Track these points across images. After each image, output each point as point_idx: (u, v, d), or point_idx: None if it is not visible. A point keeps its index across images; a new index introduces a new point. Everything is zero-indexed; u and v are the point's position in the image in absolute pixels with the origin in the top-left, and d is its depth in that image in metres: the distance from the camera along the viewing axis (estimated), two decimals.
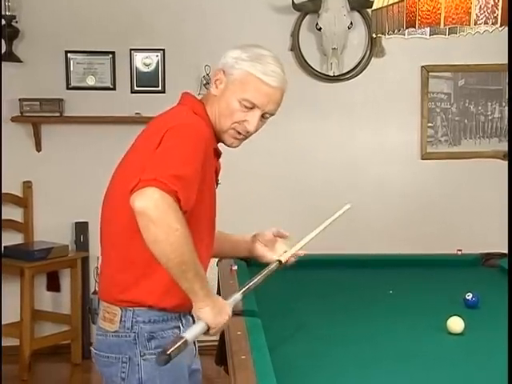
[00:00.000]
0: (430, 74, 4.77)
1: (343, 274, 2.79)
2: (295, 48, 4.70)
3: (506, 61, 4.78)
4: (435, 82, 4.79)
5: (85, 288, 4.65)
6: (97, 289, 2.01)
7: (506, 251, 3.45)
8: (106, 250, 2.01)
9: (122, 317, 1.90)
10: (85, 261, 4.65)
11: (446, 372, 2.04)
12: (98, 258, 2.04)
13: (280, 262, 2.13)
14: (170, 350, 1.66)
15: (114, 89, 4.66)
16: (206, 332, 1.84)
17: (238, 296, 1.98)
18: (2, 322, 4.02)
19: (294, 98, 4.70)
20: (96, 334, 2.01)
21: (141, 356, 1.90)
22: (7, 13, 4.35)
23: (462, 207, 4.85)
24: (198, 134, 1.87)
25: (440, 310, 2.53)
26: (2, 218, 4.32)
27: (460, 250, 3.59)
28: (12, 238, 4.51)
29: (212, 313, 1.81)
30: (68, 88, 4.61)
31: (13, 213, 4.56)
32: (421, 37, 2.69)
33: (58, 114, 4.54)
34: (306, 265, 2.55)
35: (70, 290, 4.56)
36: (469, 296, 2.70)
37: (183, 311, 1.95)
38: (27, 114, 4.51)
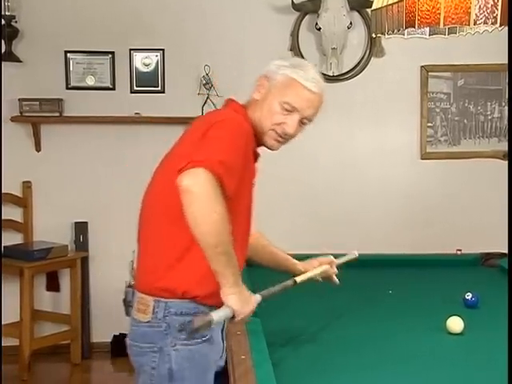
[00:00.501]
0: (430, 73, 4.77)
1: (342, 273, 2.79)
2: (295, 48, 4.69)
3: (505, 61, 4.78)
4: (435, 82, 4.79)
5: (84, 288, 4.65)
6: (131, 282, 2.05)
7: (505, 251, 3.46)
8: (144, 240, 2.06)
9: (154, 307, 1.95)
10: (84, 261, 4.65)
11: (445, 372, 2.04)
12: (133, 252, 2.09)
13: (295, 282, 2.23)
14: (195, 323, 1.74)
15: (113, 89, 4.65)
16: (231, 319, 1.87)
17: (258, 296, 1.99)
18: (2, 322, 4.02)
19: None
20: (131, 325, 2.04)
21: (171, 346, 1.94)
22: (7, 13, 4.35)
23: (462, 207, 4.85)
24: (240, 128, 1.96)
25: (440, 310, 2.53)
26: (2, 218, 4.32)
27: (460, 250, 3.60)
28: (11, 238, 4.51)
29: (239, 301, 1.86)
30: (67, 88, 4.61)
31: (12, 213, 4.56)
32: (420, 37, 2.69)
33: (57, 114, 4.53)
34: None
35: (70, 290, 4.56)
36: (468, 296, 2.70)
37: (213, 304, 1.96)
38: (27, 114, 4.50)
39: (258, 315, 2.21)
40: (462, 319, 2.38)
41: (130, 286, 2.07)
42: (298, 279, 2.25)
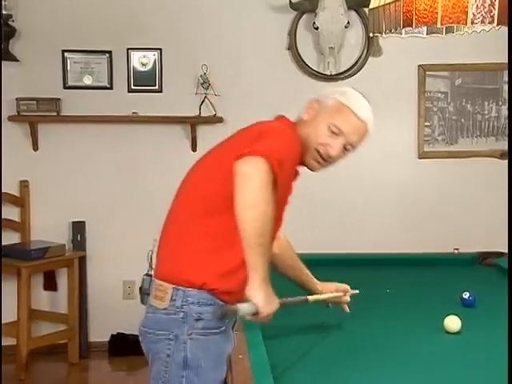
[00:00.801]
0: (427, 73, 4.77)
1: (340, 272, 2.79)
2: (292, 47, 4.69)
3: (502, 60, 4.78)
4: (432, 81, 4.79)
5: (82, 287, 4.65)
6: (149, 271, 2.06)
7: (503, 250, 3.47)
8: (171, 230, 2.08)
9: (172, 295, 1.96)
10: (82, 260, 4.65)
11: (443, 371, 2.04)
12: (154, 240, 2.10)
13: (307, 299, 2.32)
14: (226, 310, 1.83)
15: (110, 88, 4.65)
16: (253, 315, 1.88)
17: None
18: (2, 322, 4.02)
19: (291, 97, 4.69)
20: (146, 313, 2.05)
21: (188, 335, 1.95)
22: (4, 12, 4.34)
23: (459, 206, 4.85)
24: (295, 140, 2.02)
25: (437, 309, 2.54)
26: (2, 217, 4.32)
27: (457, 249, 3.61)
28: (9, 238, 4.50)
29: (264, 298, 1.87)
30: (65, 87, 4.60)
31: (10, 212, 4.55)
32: (418, 36, 2.69)
33: (54, 114, 4.53)
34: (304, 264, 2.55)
35: (67, 289, 4.56)
36: (466, 295, 2.71)
37: (228, 300, 1.99)
38: (24, 114, 4.50)
39: None
40: (460, 318, 2.38)
41: (147, 274, 2.06)
42: (311, 298, 2.32)
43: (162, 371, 1.98)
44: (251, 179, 1.81)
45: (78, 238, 4.65)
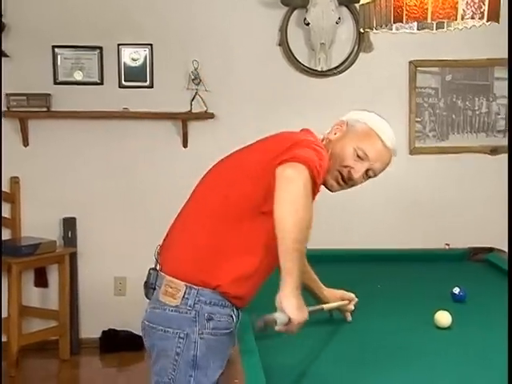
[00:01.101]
0: (418, 69, 4.78)
1: (330, 268, 2.79)
2: (283, 43, 4.69)
3: (493, 56, 4.82)
4: (423, 77, 4.80)
5: (73, 284, 4.64)
6: (156, 266, 2.04)
7: (493, 246, 3.48)
8: (188, 231, 2.04)
9: (185, 293, 1.95)
10: (73, 256, 4.64)
11: (433, 366, 2.05)
12: (166, 237, 2.09)
13: (323, 308, 2.34)
14: (266, 319, 1.80)
15: (101, 84, 4.64)
16: (285, 325, 1.85)
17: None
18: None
19: (282, 93, 4.71)
20: (151, 308, 2.02)
21: (199, 334, 1.95)
22: None
23: (450, 202, 4.87)
24: (326, 156, 2.02)
25: (428, 305, 2.54)
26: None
27: (448, 245, 3.61)
28: None
29: (296, 305, 1.85)
30: (55, 83, 4.59)
31: None
32: (408, 32, 2.69)
33: (45, 109, 4.52)
34: None
35: (58, 285, 4.55)
36: (456, 290, 2.71)
37: (238, 305, 2.02)
38: (14, 109, 4.48)
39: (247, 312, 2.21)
40: (450, 313, 2.39)
41: (154, 268, 2.04)
42: (326, 306, 2.34)
43: (170, 369, 1.96)
44: (295, 183, 1.82)
45: (69, 235, 4.65)
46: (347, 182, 2.12)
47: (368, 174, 2.14)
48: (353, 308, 2.49)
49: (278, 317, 1.83)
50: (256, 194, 1.91)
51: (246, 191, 1.95)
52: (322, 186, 2.11)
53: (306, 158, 1.85)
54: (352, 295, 2.49)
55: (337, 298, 2.46)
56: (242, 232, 1.94)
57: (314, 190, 1.87)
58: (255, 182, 1.91)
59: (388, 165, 2.18)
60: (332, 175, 2.10)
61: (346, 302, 2.47)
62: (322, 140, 2.16)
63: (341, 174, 2.10)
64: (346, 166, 2.09)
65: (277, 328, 1.84)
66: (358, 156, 2.09)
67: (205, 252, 1.97)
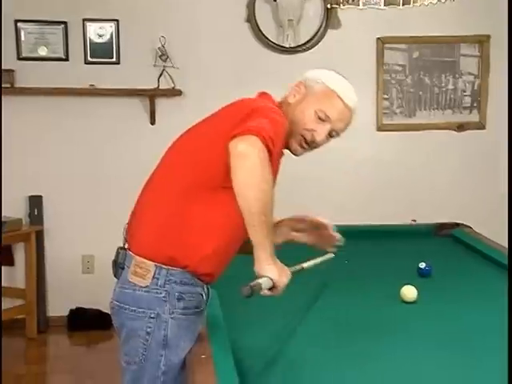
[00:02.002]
0: (386, 45, 4.79)
1: (298, 245, 2.81)
2: (251, 19, 4.66)
3: (459, 33, 4.85)
4: (390, 54, 4.82)
5: (40, 262, 4.60)
6: (125, 245, 2.00)
7: (459, 221, 3.53)
8: (152, 208, 2.02)
9: (155, 274, 1.93)
10: (39, 235, 4.60)
11: (399, 339, 2.08)
12: (132, 215, 2.05)
13: (303, 268, 2.23)
14: (252, 284, 1.78)
15: (66, 60, 4.57)
16: (270, 290, 1.87)
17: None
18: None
19: (250, 69, 4.69)
20: (120, 288, 2.00)
21: (169, 314, 1.94)
22: None
23: (417, 178, 4.91)
24: (282, 119, 1.99)
25: (394, 280, 2.57)
26: None
27: (414, 221, 3.65)
28: None
29: (277, 270, 1.87)
30: (19, 58, 4.50)
31: None
32: (375, 8, 2.69)
33: (8, 85, 4.43)
34: None
35: (25, 264, 4.51)
36: (422, 265, 2.75)
37: (208, 281, 2.02)
38: None
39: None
40: (416, 288, 2.42)
41: (122, 247, 2.02)
42: (305, 265, 2.25)
43: (141, 348, 1.95)
44: (249, 158, 1.79)
45: (36, 213, 4.60)
46: (310, 144, 2.10)
47: (331, 135, 2.12)
48: (334, 235, 2.35)
49: (263, 282, 1.84)
50: (216, 168, 1.88)
51: (206, 165, 1.92)
52: (287, 151, 2.11)
53: (258, 128, 1.82)
54: (321, 221, 2.34)
55: (308, 222, 2.34)
56: (205, 208, 1.92)
57: (271, 159, 1.83)
58: (214, 155, 1.88)
59: (350, 123, 2.15)
60: (295, 139, 2.08)
61: (327, 257, 2.40)
62: (281, 104, 2.13)
63: (304, 137, 2.08)
64: (308, 130, 2.07)
65: (262, 292, 1.85)
66: (320, 118, 2.06)
67: (169, 230, 1.95)
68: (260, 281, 1.83)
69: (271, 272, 1.86)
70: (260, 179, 1.79)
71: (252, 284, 1.78)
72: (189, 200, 1.93)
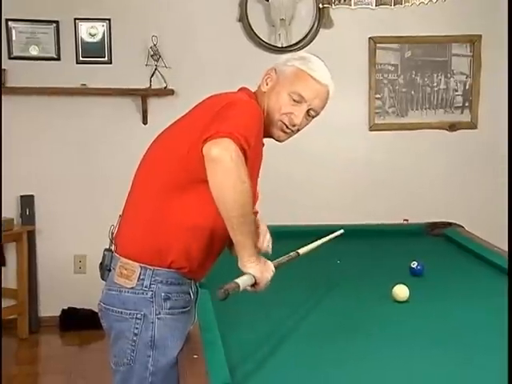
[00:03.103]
0: (378, 45, 4.79)
1: (290, 245, 2.80)
2: (243, 19, 4.66)
3: (451, 32, 4.86)
4: (382, 54, 4.82)
5: (31, 262, 4.59)
6: (111, 247, 2.00)
7: (451, 221, 3.54)
8: (135, 207, 2.03)
9: (140, 274, 1.94)
10: (31, 234, 4.58)
11: (391, 338, 2.08)
12: (119, 216, 2.04)
13: (298, 254, 2.24)
14: (227, 287, 1.76)
15: (58, 59, 4.55)
16: (253, 286, 1.88)
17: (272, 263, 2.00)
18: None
19: (242, 69, 4.68)
20: (107, 290, 2.00)
21: (156, 314, 1.94)
22: None
23: (409, 177, 4.92)
24: (257, 111, 1.98)
25: (386, 279, 2.57)
26: None
27: (406, 220, 3.66)
28: None
29: (259, 268, 1.88)
30: (10, 58, 4.49)
31: None
32: (367, 7, 2.69)
33: None
34: None
35: (16, 264, 4.49)
36: (414, 264, 2.76)
37: (196, 278, 2.03)
38: None
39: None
40: (408, 287, 2.42)
41: (108, 249, 2.01)
42: (301, 251, 2.25)
43: (129, 349, 1.95)
44: (223, 162, 1.78)
45: (27, 212, 4.58)
46: (292, 128, 2.08)
47: (310, 114, 2.10)
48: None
49: (241, 281, 1.83)
50: (193, 163, 1.87)
51: (187, 161, 1.90)
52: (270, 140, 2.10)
53: (229, 129, 1.81)
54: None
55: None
56: (186, 203, 1.92)
57: (246, 157, 1.82)
58: (190, 150, 1.87)
59: (327, 99, 2.12)
60: (276, 126, 2.07)
61: (336, 234, 2.47)
62: (256, 94, 2.12)
63: (283, 122, 2.06)
64: (286, 113, 2.05)
65: (241, 289, 1.84)
66: (295, 100, 2.04)
67: (152, 229, 1.95)
68: (238, 280, 1.82)
69: (253, 269, 1.87)
70: (235, 181, 1.79)
71: (226, 287, 1.77)
72: (170, 197, 1.93)
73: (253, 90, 2.14)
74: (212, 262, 2.03)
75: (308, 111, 2.08)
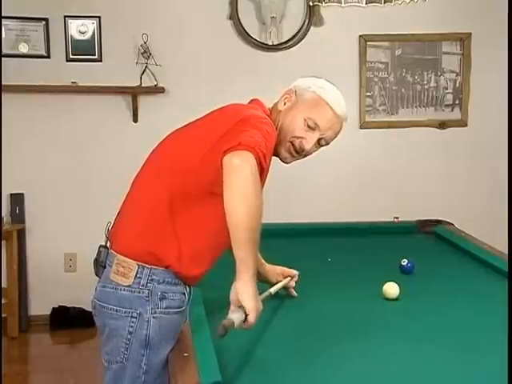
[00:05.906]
0: (368, 43, 4.80)
1: (281, 243, 2.81)
2: (234, 17, 4.66)
3: (441, 30, 4.87)
4: (373, 52, 4.83)
5: (21, 261, 4.57)
6: (106, 244, 1.99)
7: (441, 218, 3.55)
8: (135, 207, 2.01)
9: (137, 273, 1.93)
10: (21, 233, 4.57)
11: (381, 336, 2.08)
12: (118, 213, 2.04)
13: (270, 293, 2.25)
14: (225, 324, 1.75)
15: (48, 57, 4.54)
16: (243, 322, 1.82)
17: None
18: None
19: (233, 67, 4.69)
20: (102, 286, 1.99)
21: (151, 313, 1.93)
22: None
23: (399, 175, 4.93)
24: (274, 132, 2.00)
25: (377, 277, 2.57)
26: None
27: (397, 218, 3.66)
28: None
29: (252, 294, 1.83)
30: None
31: None
32: (357, 5, 2.70)
33: None
34: None
35: (6, 262, 4.48)
36: (404, 262, 2.76)
37: (191, 283, 2.02)
38: None
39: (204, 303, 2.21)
40: (398, 284, 2.43)
41: (104, 246, 2.00)
42: (272, 290, 2.26)
43: (122, 348, 1.95)
44: (243, 172, 1.77)
45: (17, 211, 4.57)
46: (300, 152, 2.10)
47: (320, 143, 2.13)
48: (294, 284, 2.46)
49: (235, 318, 1.80)
50: (205, 175, 1.88)
51: (196, 172, 1.90)
52: (276, 159, 2.10)
53: (251, 143, 1.81)
54: (293, 271, 2.47)
55: (278, 273, 2.43)
56: (192, 212, 1.92)
57: (262, 175, 1.83)
58: (203, 161, 1.88)
59: (339, 132, 2.16)
60: (284, 147, 2.09)
61: (289, 279, 2.44)
62: (271, 110, 2.13)
63: (293, 144, 2.08)
64: (297, 137, 2.08)
65: (236, 327, 1.80)
66: (309, 126, 2.07)
67: (153, 231, 1.94)
68: (232, 317, 1.79)
69: (246, 296, 1.82)
70: (250, 195, 1.78)
71: (224, 323, 1.75)
72: (176, 205, 1.92)
73: (253, 97, 2.15)
74: (209, 268, 2.02)
75: (319, 140, 2.11)
